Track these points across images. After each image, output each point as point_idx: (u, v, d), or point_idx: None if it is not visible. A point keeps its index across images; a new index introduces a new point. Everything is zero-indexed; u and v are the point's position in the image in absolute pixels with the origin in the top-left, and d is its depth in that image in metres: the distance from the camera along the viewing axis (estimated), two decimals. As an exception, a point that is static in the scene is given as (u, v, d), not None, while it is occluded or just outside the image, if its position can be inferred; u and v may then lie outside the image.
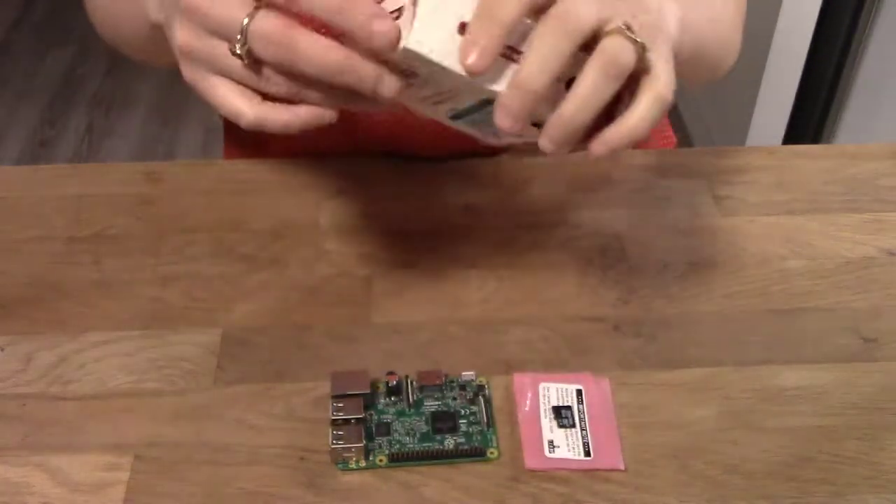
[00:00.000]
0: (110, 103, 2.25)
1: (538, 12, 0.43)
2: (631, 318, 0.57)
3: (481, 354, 0.54)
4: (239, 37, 0.43)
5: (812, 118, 1.73)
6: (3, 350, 0.54)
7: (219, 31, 0.44)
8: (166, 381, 0.53)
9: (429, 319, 0.56)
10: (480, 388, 0.52)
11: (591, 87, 0.43)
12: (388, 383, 0.52)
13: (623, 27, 0.43)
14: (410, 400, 0.51)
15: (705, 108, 1.99)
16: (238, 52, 0.43)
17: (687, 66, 0.54)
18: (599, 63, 0.43)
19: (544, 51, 0.42)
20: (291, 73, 0.43)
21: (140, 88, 2.29)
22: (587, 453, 0.49)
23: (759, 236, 0.63)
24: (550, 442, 0.49)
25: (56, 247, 0.61)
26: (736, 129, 1.79)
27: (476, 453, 0.49)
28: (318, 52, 0.42)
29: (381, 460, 0.48)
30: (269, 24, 0.42)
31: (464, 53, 0.41)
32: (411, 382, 0.52)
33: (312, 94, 0.45)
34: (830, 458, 0.49)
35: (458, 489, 0.47)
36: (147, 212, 0.64)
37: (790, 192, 0.67)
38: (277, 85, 0.44)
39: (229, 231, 0.62)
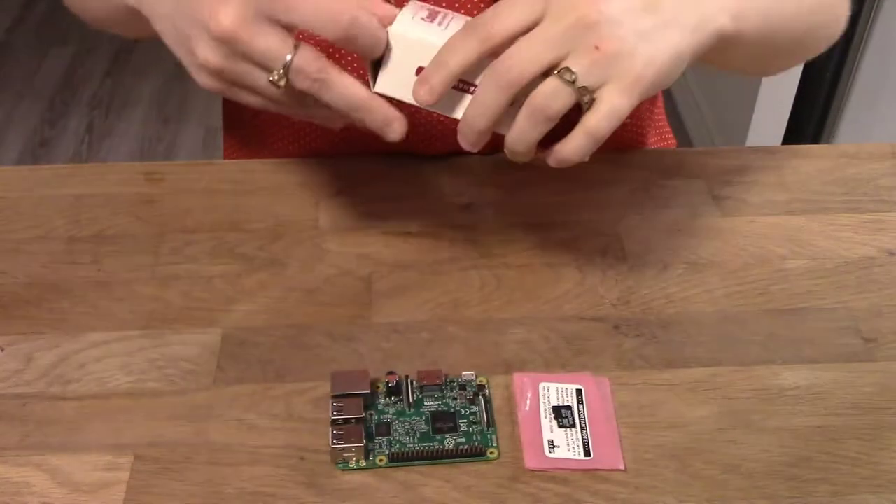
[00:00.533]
0: (110, 103, 2.25)
1: (494, 56, 0.48)
2: (631, 318, 0.57)
3: (481, 354, 0.54)
4: (281, 71, 0.48)
5: (812, 118, 1.73)
6: (3, 350, 0.54)
7: (256, 61, 0.48)
8: (166, 381, 0.53)
9: (429, 319, 0.57)
10: (480, 388, 0.52)
11: (521, 130, 0.48)
12: (388, 383, 0.52)
13: (566, 71, 0.47)
14: (410, 400, 0.51)
15: (705, 109, 1.99)
16: (277, 83, 0.48)
17: (766, 47, 0.58)
18: (529, 110, 0.48)
19: (483, 99, 0.48)
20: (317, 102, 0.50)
21: (140, 88, 2.29)
22: (587, 453, 0.49)
23: (759, 236, 0.63)
24: (550, 442, 0.49)
25: (56, 247, 0.61)
26: (736, 129, 1.79)
27: (476, 453, 0.49)
28: (345, 89, 0.48)
29: (381, 460, 0.48)
30: (307, 61, 0.47)
31: (415, 91, 0.49)
32: (411, 382, 0.52)
33: (326, 113, 0.52)
34: (830, 458, 0.49)
35: (458, 489, 0.47)
36: (147, 212, 0.64)
37: (790, 192, 0.67)
38: (301, 104, 0.51)
39: (229, 231, 0.62)
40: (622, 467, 0.48)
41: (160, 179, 0.67)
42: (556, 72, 0.47)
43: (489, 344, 0.55)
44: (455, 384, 0.52)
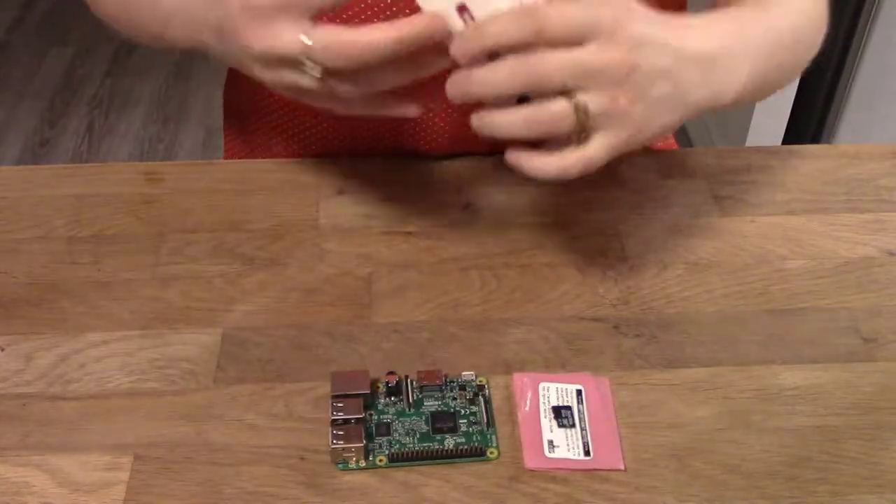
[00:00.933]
0: (110, 103, 2.25)
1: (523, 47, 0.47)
2: (631, 318, 0.57)
3: (481, 354, 0.54)
4: (307, 60, 0.49)
5: (812, 118, 1.73)
6: (3, 350, 0.54)
7: (286, 61, 0.50)
8: (166, 381, 0.53)
9: (429, 319, 0.56)
10: (480, 388, 0.52)
11: (512, 125, 0.48)
12: (388, 383, 0.52)
13: (584, 106, 0.46)
14: (410, 400, 0.51)
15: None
16: (312, 72, 0.49)
17: (759, 96, 0.60)
18: (532, 116, 0.48)
19: (495, 73, 0.47)
20: (358, 76, 0.50)
21: (140, 88, 2.29)
22: (587, 453, 0.49)
23: (759, 236, 0.63)
24: (550, 442, 0.49)
25: (56, 247, 0.61)
26: (736, 129, 1.79)
27: (476, 453, 0.49)
28: (377, 36, 0.47)
29: (380, 460, 0.48)
30: (329, 36, 0.48)
31: (452, 47, 0.48)
32: (411, 382, 0.52)
33: (382, 78, 0.51)
34: (830, 458, 0.49)
35: (458, 489, 0.47)
36: (147, 212, 0.64)
37: (790, 192, 0.67)
38: (348, 91, 0.51)
39: (229, 231, 0.62)
40: (622, 467, 0.48)
41: (160, 179, 0.67)
42: (574, 99, 0.47)
43: (489, 344, 0.55)
44: (455, 384, 0.52)
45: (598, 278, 0.59)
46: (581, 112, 0.47)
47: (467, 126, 0.50)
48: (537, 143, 0.49)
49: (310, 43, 0.48)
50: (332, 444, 0.48)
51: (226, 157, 0.82)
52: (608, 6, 0.47)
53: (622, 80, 0.47)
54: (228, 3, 0.51)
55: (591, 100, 0.47)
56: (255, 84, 0.72)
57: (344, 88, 0.50)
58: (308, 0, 0.48)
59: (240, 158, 0.79)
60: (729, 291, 0.59)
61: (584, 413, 0.51)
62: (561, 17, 0.46)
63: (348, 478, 0.48)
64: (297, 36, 0.48)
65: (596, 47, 0.46)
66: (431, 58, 0.50)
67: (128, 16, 0.65)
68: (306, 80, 0.50)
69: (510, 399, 0.52)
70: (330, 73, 0.49)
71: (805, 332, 0.56)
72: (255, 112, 0.74)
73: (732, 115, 1.81)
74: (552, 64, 0.46)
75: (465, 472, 0.48)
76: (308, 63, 0.48)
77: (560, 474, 0.48)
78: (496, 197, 0.66)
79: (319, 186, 0.66)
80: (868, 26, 1.60)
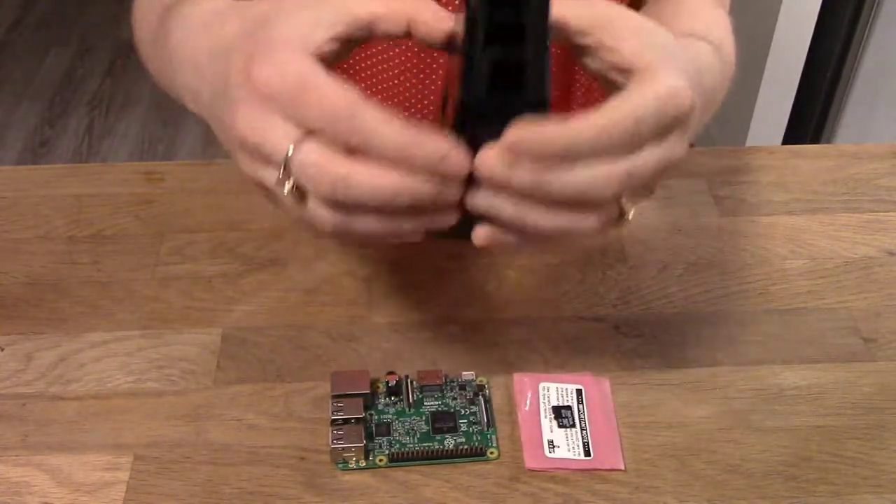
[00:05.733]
0: (110, 103, 2.25)
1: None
2: (631, 318, 0.57)
3: (481, 354, 0.54)
4: (283, 169, 0.38)
5: (812, 118, 1.73)
6: (3, 350, 0.54)
7: (264, 159, 0.40)
8: (166, 381, 0.53)
9: (429, 319, 0.56)
10: (480, 388, 0.52)
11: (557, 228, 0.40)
12: (388, 383, 0.52)
13: (625, 212, 0.41)
14: (410, 400, 0.51)
15: (705, 108, 1.98)
16: (282, 183, 0.39)
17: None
18: (574, 222, 0.40)
19: (598, 181, 0.38)
20: (339, 204, 0.39)
21: (140, 88, 2.29)
22: (587, 453, 0.49)
23: (759, 236, 0.63)
24: (550, 442, 0.49)
25: (56, 247, 0.61)
26: (736, 129, 1.79)
27: (476, 453, 0.49)
28: (372, 180, 0.38)
29: (380, 460, 0.48)
30: (315, 156, 0.38)
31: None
32: (411, 382, 0.52)
33: (362, 223, 0.39)
34: (830, 458, 0.49)
35: (458, 489, 0.47)
36: (147, 212, 0.64)
37: (790, 192, 0.67)
38: (322, 218, 0.39)
39: (229, 231, 0.62)
40: (622, 467, 0.48)
41: (160, 179, 0.67)
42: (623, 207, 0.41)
43: (489, 344, 0.55)
44: (455, 384, 0.52)
45: (598, 278, 0.59)
46: (624, 214, 0.41)
47: None
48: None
49: (290, 154, 0.38)
50: (332, 444, 0.48)
51: (226, 157, 0.82)
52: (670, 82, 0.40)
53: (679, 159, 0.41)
54: (233, 64, 0.41)
55: (628, 204, 0.41)
56: None
57: (319, 213, 0.39)
58: (322, 107, 0.37)
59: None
60: (729, 291, 0.59)
61: (584, 413, 0.51)
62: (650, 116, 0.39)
63: (348, 478, 0.48)
64: (286, 139, 0.38)
65: (677, 137, 0.40)
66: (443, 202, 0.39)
67: (152, 64, 0.58)
68: (278, 189, 0.39)
69: (510, 399, 0.52)
70: (303, 195, 0.39)
71: (805, 332, 0.56)
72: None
73: (732, 115, 1.81)
74: (649, 167, 0.39)
75: (465, 472, 0.48)
76: (281, 173, 0.39)
77: (560, 474, 0.48)
78: (496, 197, 0.65)
79: (319, 186, 0.66)
80: (868, 26, 1.60)
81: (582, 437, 0.49)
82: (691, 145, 0.82)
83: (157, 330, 0.56)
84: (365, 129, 0.37)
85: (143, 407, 0.51)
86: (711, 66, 0.51)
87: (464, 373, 0.52)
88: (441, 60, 0.65)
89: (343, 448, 0.48)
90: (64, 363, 0.53)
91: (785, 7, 1.58)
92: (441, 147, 0.37)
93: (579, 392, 0.52)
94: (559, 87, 0.69)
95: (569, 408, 0.51)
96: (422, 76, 0.66)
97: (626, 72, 0.41)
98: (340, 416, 0.49)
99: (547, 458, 0.48)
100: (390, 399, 0.51)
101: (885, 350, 0.55)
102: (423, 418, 0.50)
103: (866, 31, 1.61)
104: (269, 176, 0.40)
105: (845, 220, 0.64)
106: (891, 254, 0.62)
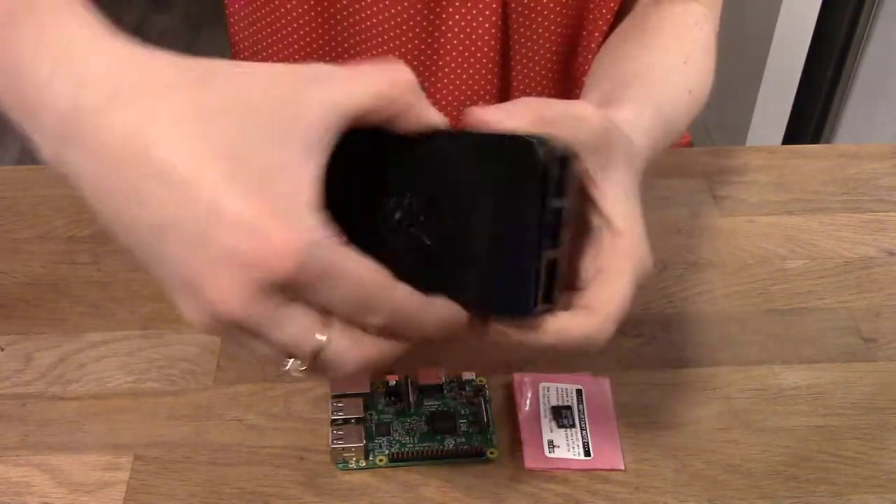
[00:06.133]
0: (110, 103, 2.25)
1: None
2: (631, 318, 0.56)
3: (481, 354, 0.54)
4: (308, 360, 0.34)
5: (812, 118, 1.73)
6: (3, 350, 0.54)
7: (267, 342, 0.34)
8: (166, 381, 0.53)
9: (429, 319, 0.56)
10: (480, 388, 0.52)
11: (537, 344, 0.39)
12: (387, 383, 0.52)
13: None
14: (410, 400, 0.51)
15: (705, 108, 1.99)
16: (293, 365, 0.34)
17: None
18: (554, 344, 0.39)
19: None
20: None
21: (140, 88, 2.29)
22: (587, 453, 0.49)
23: (759, 236, 0.63)
24: (550, 442, 0.49)
25: (56, 247, 0.61)
26: (736, 129, 1.79)
27: (476, 453, 0.49)
28: (395, 350, 0.37)
29: (380, 460, 0.48)
30: (346, 344, 0.34)
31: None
32: (411, 382, 0.52)
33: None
34: (830, 458, 0.49)
35: (458, 489, 0.47)
36: (147, 212, 0.64)
37: (790, 192, 0.67)
38: (334, 378, 0.40)
39: (229, 231, 0.62)
40: (622, 467, 0.48)
41: (160, 179, 0.66)
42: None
43: (489, 344, 0.55)
44: (455, 384, 0.52)
45: (598, 278, 0.59)
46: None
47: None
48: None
49: (323, 339, 0.33)
50: (332, 444, 0.48)
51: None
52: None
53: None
54: (199, 192, 0.30)
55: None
56: None
57: (331, 377, 0.38)
58: (354, 293, 0.32)
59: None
60: (729, 291, 0.59)
61: (584, 413, 0.51)
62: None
63: (348, 478, 0.48)
64: (311, 329, 0.33)
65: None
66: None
67: None
68: (282, 365, 0.35)
69: (510, 399, 0.52)
70: (314, 368, 0.35)
71: (805, 332, 0.56)
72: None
73: (732, 115, 1.81)
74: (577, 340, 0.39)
75: (465, 472, 0.48)
76: (301, 363, 0.34)
77: (560, 474, 0.48)
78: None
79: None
80: (868, 26, 1.60)
81: (582, 437, 0.49)
82: (691, 145, 0.82)
83: (157, 330, 0.55)
84: (397, 311, 0.34)
85: (143, 407, 0.51)
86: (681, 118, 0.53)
87: (464, 373, 0.52)
88: (441, 52, 0.65)
89: (343, 448, 0.48)
90: (64, 363, 0.53)
91: (785, 7, 1.58)
92: (460, 317, 0.37)
93: (579, 392, 0.52)
94: (558, 91, 0.69)
95: (569, 408, 0.51)
96: (422, 69, 0.66)
97: (604, 220, 0.41)
98: (340, 416, 0.49)
99: (547, 458, 0.48)
100: (390, 399, 0.51)
101: (885, 350, 0.55)
102: (423, 418, 0.50)
103: (866, 31, 1.61)
104: (269, 353, 0.34)
105: (845, 220, 0.64)
106: (891, 254, 0.62)
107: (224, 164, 0.30)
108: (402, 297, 0.34)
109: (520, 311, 0.37)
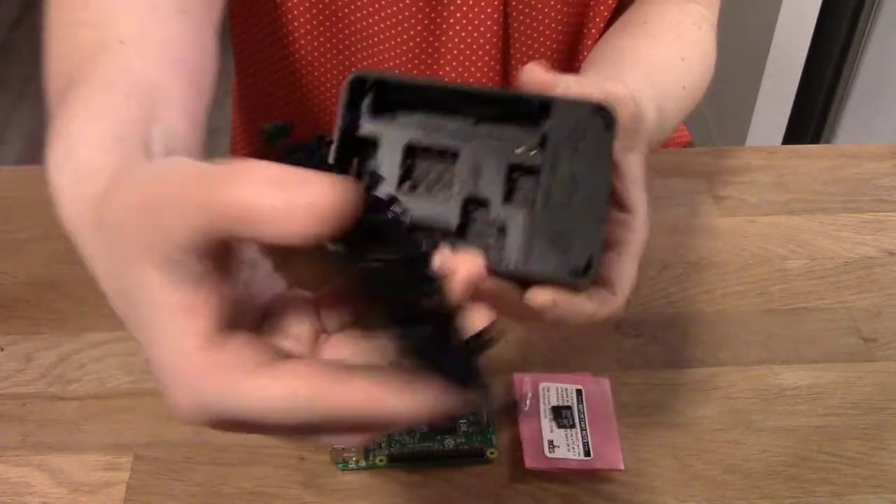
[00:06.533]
0: (110, 103, 2.25)
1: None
2: (631, 318, 0.57)
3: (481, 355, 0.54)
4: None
5: (812, 118, 1.73)
6: (3, 350, 0.54)
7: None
8: (166, 381, 0.52)
9: (429, 319, 0.56)
10: (480, 388, 0.52)
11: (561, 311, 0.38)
12: (388, 383, 0.51)
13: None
14: (410, 400, 0.51)
15: (705, 108, 1.99)
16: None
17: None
18: (593, 313, 0.39)
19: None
20: None
21: (140, 88, 2.29)
22: (587, 453, 0.49)
23: (759, 236, 0.63)
24: (550, 442, 0.49)
25: (56, 247, 0.61)
26: (736, 129, 1.79)
27: (476, 453, 0.49)
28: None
29: (380, 460, 0.48)
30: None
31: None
32: (411, 382, 0.52)
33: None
34: (830, 458, 0.49)
35: (458, 489, 0.47)
36: (147, 212, 0.64)
37: (790, 192, 0.67)
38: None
39: (229, 231, 0.62)
40: (622, 467, 0.48)
41: (160, 179, 0.66)
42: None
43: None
44: (455, 384, 0.52)
45: (598, 278, 0.59)
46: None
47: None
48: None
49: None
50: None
51: (231, 155, 0.82)
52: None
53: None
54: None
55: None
56: (270, 83, 0.72)
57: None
58: (350, 412, 0.28)
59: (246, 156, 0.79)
60: (729, 291, 0.59)
61: (584, 413, 0.51)
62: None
63: (348, 478, 0.48)
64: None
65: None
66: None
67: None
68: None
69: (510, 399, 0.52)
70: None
71: (805, 332, 0.56)
72: (269, 112, 0.74)
73: (732, 115, 1.81)
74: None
75: (465, 473, 0.48)
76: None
77: (560, 474, 0.48)
78: (496, 197, 0.65)
79: (319, 186, 0.66)
80: (868, 26, 1.60)
81: (582, 437, 0.49)
82: (692, 145, 0.82)
83: (157, 330, 0.55)
84: (345, 415, 0.28)
85: (143, 407, 0.51)
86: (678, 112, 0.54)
87: (464, 373, 0.52)
88: (442, 50, 0.65)
89: (343, 448, 0.48)
90: (64, 363, 0.53)
91: (785, 7, 1.58)
92: (443, 402, 0.30)
93: (579, 392, 0.51)
94: None
95: (569, 408, 0.51)
96: (423, 68, 0.66)
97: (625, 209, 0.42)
98: (340, 416, 0.49)
99: (547, 458, 0.48)
100: (390, 399, 0.51)
101: (885, 350, 0.55)
102: (423, 418, 0.50)
103: (866, 31, 1.61)
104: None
105: (845, 220, 0.64)
106: (891, 254, 0.62)
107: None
108: (345, 397, 0.27)
109: (575, 276, 0.36)
